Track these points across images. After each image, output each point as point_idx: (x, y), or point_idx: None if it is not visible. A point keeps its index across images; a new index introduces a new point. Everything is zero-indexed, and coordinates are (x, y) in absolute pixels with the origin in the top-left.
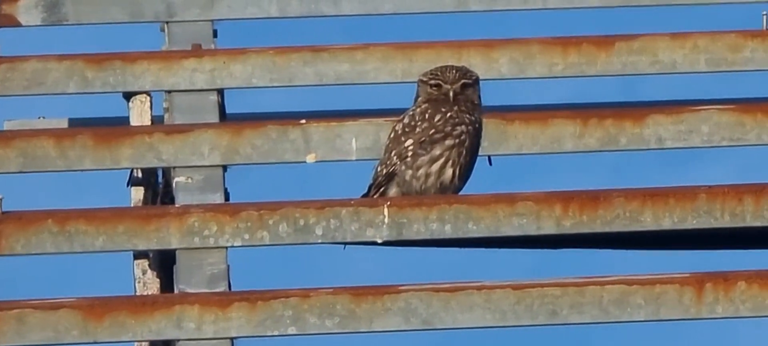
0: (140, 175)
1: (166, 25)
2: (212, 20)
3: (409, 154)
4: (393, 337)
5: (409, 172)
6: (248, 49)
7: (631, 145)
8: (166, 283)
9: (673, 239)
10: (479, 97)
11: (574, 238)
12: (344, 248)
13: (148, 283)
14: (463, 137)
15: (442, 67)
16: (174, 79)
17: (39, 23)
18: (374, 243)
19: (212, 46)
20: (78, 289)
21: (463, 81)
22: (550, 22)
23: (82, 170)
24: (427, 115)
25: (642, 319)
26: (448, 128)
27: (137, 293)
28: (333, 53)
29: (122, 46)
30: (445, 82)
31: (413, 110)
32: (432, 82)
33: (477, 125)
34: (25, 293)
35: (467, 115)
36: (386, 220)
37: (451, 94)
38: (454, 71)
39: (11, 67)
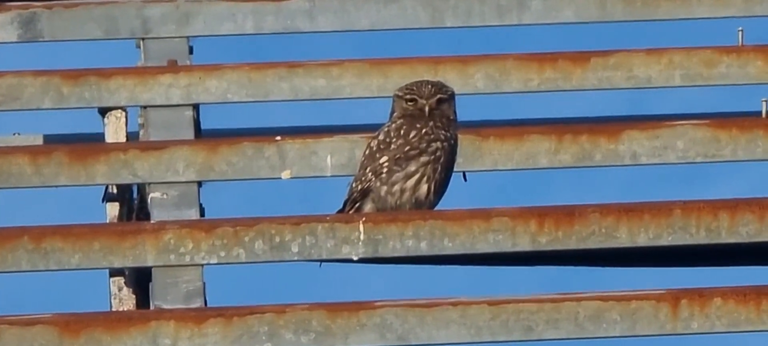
0: (115, 191)
1: (141, 42)
2: (188, 36)
3: (384, 170)
4: None
5: (384, 188)
6: (224, 64)
7: (606, 162)
8: (142, 299)
9: (648, 255)
10: (455, 112)
11: (550, 254)
12: (320, 265)
13: (124, 299)
14: (438, 154)
15: (417, 82)
16: (149, 94)
17: (15, 39)
18: (350, 260)
19: (188, 62)
20: (54, 306)
21: (438, 96)
22: (526, 37)
23: (57, 186)
24: (402, 132)
25: (618, 335)
26: (423, 145)
27: (113, 310)
28: (308, 69)
29: (98, 62)
30: (421, 97)
31: (388, 127)
32: (407, 97)
33: (452, 141)
34: (0, 312)
35: (442, 132)
36: (362, 236)
37: (426, 109)
38: (429, 86)
39: None
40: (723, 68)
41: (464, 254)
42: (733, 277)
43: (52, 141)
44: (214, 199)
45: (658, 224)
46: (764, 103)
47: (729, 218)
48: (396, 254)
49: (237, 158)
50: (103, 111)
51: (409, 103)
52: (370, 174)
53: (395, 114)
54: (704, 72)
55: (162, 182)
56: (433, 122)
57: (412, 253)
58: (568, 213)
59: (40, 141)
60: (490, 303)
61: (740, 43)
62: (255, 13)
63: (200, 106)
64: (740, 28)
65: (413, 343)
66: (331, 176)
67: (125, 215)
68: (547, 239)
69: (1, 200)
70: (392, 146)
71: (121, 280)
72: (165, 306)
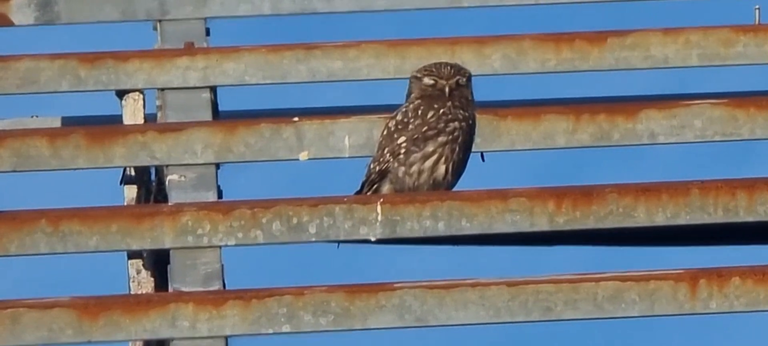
0: (133, 173)
1: (158, 24)
2: (205, 18)
3: (402, 151)
4: (387, 334)
5: (402, 169)
6: (241, 46)
7: (624, 141)
8: (161, 282)
9: (666, 234)
10: (472, 93)
11: (568, 234)
12: (338, 246)
13: (143, 282)
14: (456, 134)
15: (436, 63)
16: (167, 77)
17: (31, 22)
18: (368, 241)
19: (205, 44)
20: (72, 289)
21: (457, 77)
22: (543, 17)
23: (75, 169)
24: (420, 112)
25: (636, 315)
26: (441, 125)
27: (132, 293)
28: (326, 50)
29: (115, 44)
30: (440, 78)
31: (406, 107)
32: (426, 78)
33: (470, 122)
34: (19, 295)
35: (460, 112)
36: (379, 217)
37: (446, 89)
38: (448, 67)
39: (4, 66)
40: (740, 47)
41: (482, 234)
42: (751, 256)
43: (70, 123)
44: (232, 180)
45: (676, 203)
46: None
47: (747, 197)
48: (414, 235)
49: (254, 139)
50: (121, 94)
51: (429, 84)
52: (388, 155)
53: (413, 95)
54: (721, 51)
55: (180, 163)
56: (451, 102)
57: (430, 233)
58: (586, 193)
59: (58, 123)
60: (509, 284)
61: (757, 22)
62: None
63: (218, 89)
64: (757, 7)
65: (432, 324)
66: (349, 157)
67: (143, 198)
68: (565, 219)
69: (19, 182)
70: (410, 127)
71: (139, 263)
72: (183, 289)
